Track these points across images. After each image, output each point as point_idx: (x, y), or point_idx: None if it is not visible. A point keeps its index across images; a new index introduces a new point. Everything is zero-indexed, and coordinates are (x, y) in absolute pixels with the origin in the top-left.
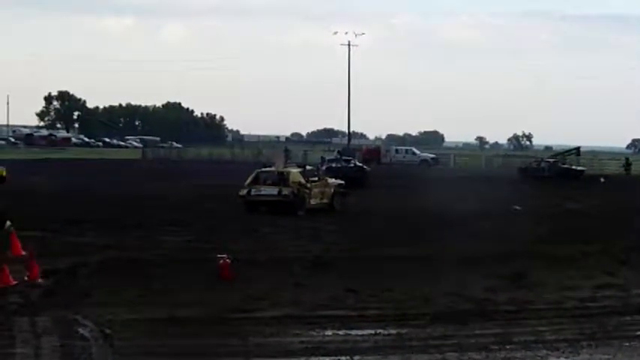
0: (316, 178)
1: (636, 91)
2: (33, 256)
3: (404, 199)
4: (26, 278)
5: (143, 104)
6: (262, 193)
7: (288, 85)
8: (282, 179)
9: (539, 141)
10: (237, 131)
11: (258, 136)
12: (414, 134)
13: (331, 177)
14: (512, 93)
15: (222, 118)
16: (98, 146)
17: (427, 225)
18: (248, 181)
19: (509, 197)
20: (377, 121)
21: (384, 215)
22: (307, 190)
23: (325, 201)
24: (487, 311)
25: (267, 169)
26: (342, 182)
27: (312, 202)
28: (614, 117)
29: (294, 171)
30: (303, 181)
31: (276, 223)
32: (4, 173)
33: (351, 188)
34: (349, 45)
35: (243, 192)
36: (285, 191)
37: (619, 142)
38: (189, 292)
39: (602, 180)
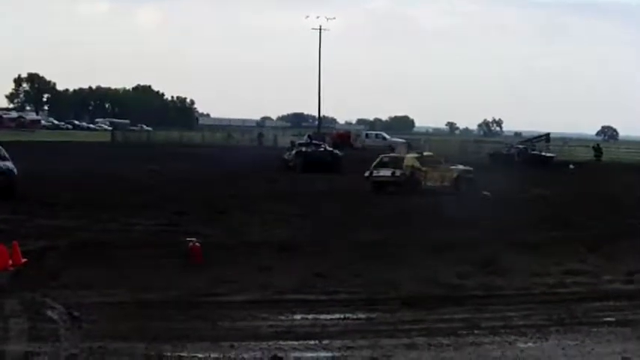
0: (440, 164)
1: (606, 78)
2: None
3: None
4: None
5: (113, 87)
6: (380, 174)
7: (259, 69)
8: (397, 163)
9: (509, 127)
10: (208, 115)
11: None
12: (384, 119)
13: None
14: (483, 79)
15: (192, 102)
16: (68, 129)
17: (398, 210)
18: (373, 164)
19: (478, 183)
20: (347, 105)
21: (353, 200)
22: (422, 173)
23: (446, 184)
24: (456, 297)
25: (390, 154)
26: (470, 168)
27: (429, 184)
28: (583, 104)
29: (409, 156)
30: (417, 164)
31: (244, 207)
32: None
33: (322, 172)
34: (320, 29)
35: (367, 173)
36: (398, 173)
37: (589, 129)
38: (158, 276)
39: (571, 167)
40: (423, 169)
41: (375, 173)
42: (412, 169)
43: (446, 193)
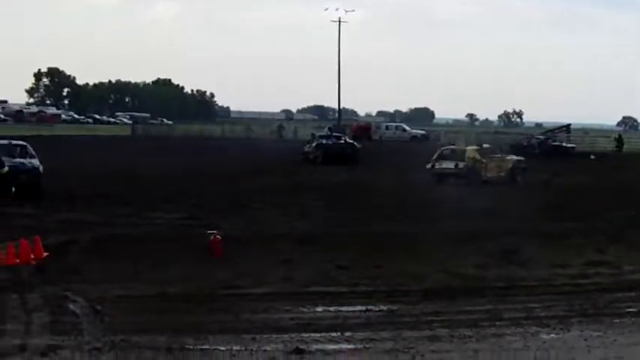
0: (498, 155)
1: (627, 68)
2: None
3: (393, 176)
4: (32, 256)
5: (133, 81)
6: (443, 166)
7: (280, 62)
8: (458, 155)
9: (529, 118)
10: (228, 108)
11: (255, 112)
12: (404, 111)
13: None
14: (503, 70)
15: (212, 95)
16: (88, 122)
17: (418, 202)
18: (434, 157)
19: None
20: (367, 97)
21: (373, 191)
22: (482, 165)
23: (502, 174)
24: (477, 288)
25: (450, 147)
26: (522, 158)
27: (488, 174)
28: (604, 94)
29: (470, 148)
30: (478, 157)
31: (265, 200)
32: None
33: (342, 164)
34: (339, 22)
35: (429, 165)
36: (461, 165)
37: (609, 119)
38: (180, 269)
39: (592, 157)
40: (483, 160)
41: (437, 165)
42: (474, 161)
43: (502, 182)
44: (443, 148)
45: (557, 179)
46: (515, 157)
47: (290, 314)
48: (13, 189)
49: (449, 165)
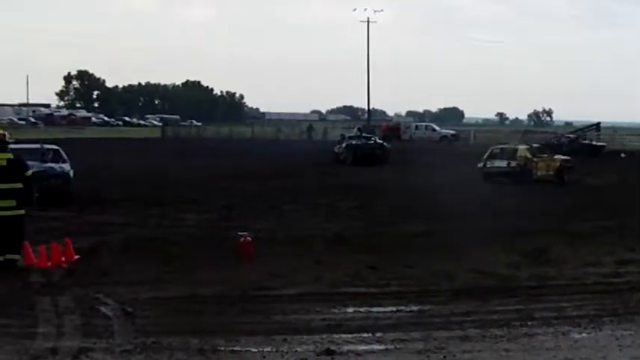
0: (545, 154)
1: None
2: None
3: (424, 175)
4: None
5: (162, 83)
6: (495, 165)
7: (308, 63)
8: (511, 154)
9: (559, 117)
10: (257, 109)
11: (286, 113)
12: (433, 110)
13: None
14: (533, 69)
15: (241, 96)
16: (118, 125)
17: (447, 201)
18: (485, 156)
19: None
20: (396, 97)
21: (403, 191)
22: (533, 164)
23: (551, 173)
24: (509, 287)
25: (500, 146)
26: (568, 157)
27: (539, 173)
28: (634, 92)
29: (522, 147)
30: (529, 156)
31: (295, 200)
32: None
33: (371, 165)
34: (368, 22)
35: (481, 165)
36: (513, 164)
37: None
38: (210, 270)
39: (622, 155)
40: (534, 159)
41: (488, 164)
42: (525, 160)
43: (551, 181)
44: (493, 147)
45: (587, 178)
46: (562, 157)
47: (321, 315)
48: (37, 194)
49: (501, 164)
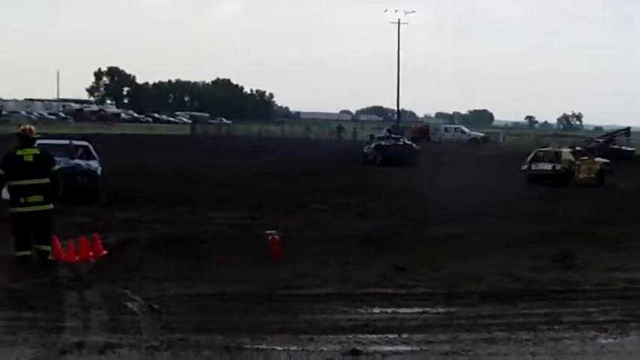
0: (586, 157)
1: None
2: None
3: (453, 178)
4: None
5: (192, 80)
6: (540, 168)
7: (339, 63)
8: (556, 157)
9: (589, 121)
10: (286, 108)
11: (318, 113)
12: (463, 112)
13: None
14: (563, 72)
15: (271, 95)
16: (147, 121)
17: (475, 204)
18: (528, 158)
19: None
20: (426, 99)
21: (431, 193)
22: (576, 167)
23: (592, 176)
24: (536, 291)
25: (544, 149)
26: (608, 161)
27: (581, 176)
28: None
29: (566, 150)
30: (572, 159)
31: (324, 200)
32: None
33: (400, 166)
34: (399, 23)
35: (525, 167)
36: (558, 167)
37: None
38: (238, 268)
39: None
40: (577, 162)
41: (533, 167)
42: (569, 163)
43: (592, 184)
44: (537, 150)
45: (618, 182)
46: (602, 160)
47: (347, 315)
48: (61, 190)
49: (546, 167)
